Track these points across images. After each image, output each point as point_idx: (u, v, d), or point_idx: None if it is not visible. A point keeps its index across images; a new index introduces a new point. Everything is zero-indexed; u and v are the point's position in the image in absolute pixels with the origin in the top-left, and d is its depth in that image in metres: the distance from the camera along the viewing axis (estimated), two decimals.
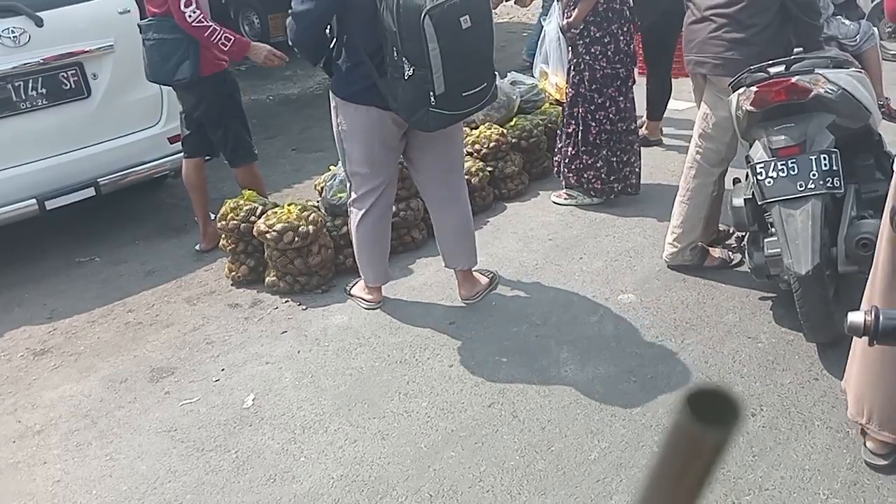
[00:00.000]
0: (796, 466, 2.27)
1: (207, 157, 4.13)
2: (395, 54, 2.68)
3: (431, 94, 2.68)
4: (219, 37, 3.56)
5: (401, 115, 2.83)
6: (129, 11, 4.18)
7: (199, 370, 3.08)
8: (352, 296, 3.46)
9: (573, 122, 4.11)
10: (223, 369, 3.06)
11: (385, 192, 3.17)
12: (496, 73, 2.91)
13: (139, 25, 3.85)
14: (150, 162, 4.30)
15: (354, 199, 3.20)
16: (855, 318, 0.97)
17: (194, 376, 3.04)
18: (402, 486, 2.36)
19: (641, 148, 4.52)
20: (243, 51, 3.70)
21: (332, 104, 3.05)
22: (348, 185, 3.23)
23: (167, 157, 4.36)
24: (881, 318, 0.95)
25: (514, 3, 5.12)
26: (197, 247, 4.15)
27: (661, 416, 2.54)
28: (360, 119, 2.96)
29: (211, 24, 3.55)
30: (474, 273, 3.41)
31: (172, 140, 4.38)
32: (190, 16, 3.52)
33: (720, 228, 3.50)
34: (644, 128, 5.00)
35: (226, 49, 3.61)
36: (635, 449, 2.41)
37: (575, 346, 2.98)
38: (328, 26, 2.91)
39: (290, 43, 2.90)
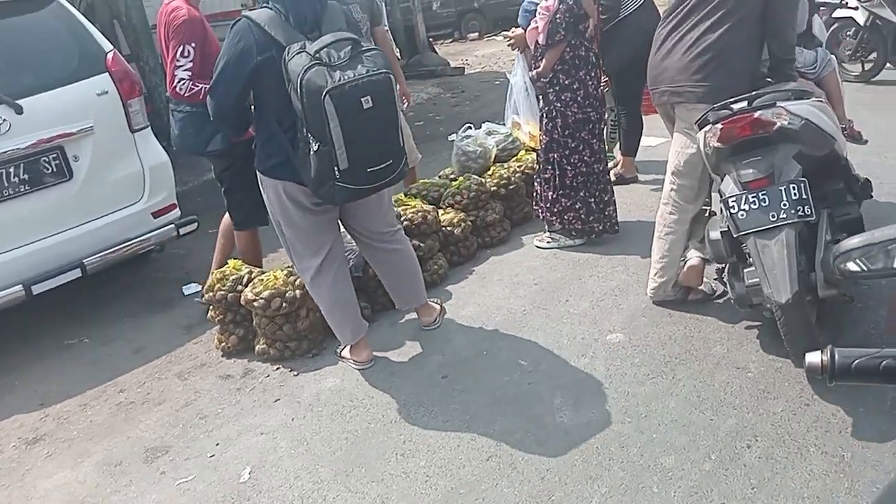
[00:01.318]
0: (795, 496, 2.27)
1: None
2: (304, 130, 2.81)
3: (336, 168, 2.78)
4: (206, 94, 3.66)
5: (310, 188, 2.93)
6: (106, 93, 4.24)
7: (193, 447, 3.06)
8: (343, 358, 3.46)
9: (549, 167, 4.19)
10: (218, 444, 3.04)
11: (330, 254, 3.21)
12: (404, 152, 2.99)
13: (166, 96, 3.94)
14: (134, 238, 4.31)
15: (302, 270, 3.28)
16: (812, 358, 1.00)
17: (189, 453, 3.02)
18: None
19: (619, 186, 4.61)
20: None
21: (258, 178, 3.15)
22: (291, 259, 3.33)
23: (151, 231, 4.38)
24: (836, 356, 0.98)
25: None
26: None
27: (659, 456, 2.54)
28: (282, 193, 3.06)
29: (198, 85, 3.65)
30: (428, 302, 3.63)
31: (156, 215, 4.42)
32: (183, 89, 3.68)
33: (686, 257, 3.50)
34: (619, 166, 5.10)
35: None
36: (635, 492, 2.40)
37: (568, 391, 2.99)
38: (249, 101, 3.03)
39: (212, 118, 3.04)
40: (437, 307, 3.69)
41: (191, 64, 3.68)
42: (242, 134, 3.11)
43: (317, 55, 2.71)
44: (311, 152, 2.80)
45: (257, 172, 3.14)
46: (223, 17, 7.25)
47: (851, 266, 1.11)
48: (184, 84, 3.69)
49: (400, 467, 2.71)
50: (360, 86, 2.71)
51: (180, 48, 3.67)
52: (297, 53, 2.74)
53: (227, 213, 4.19)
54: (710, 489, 2.35)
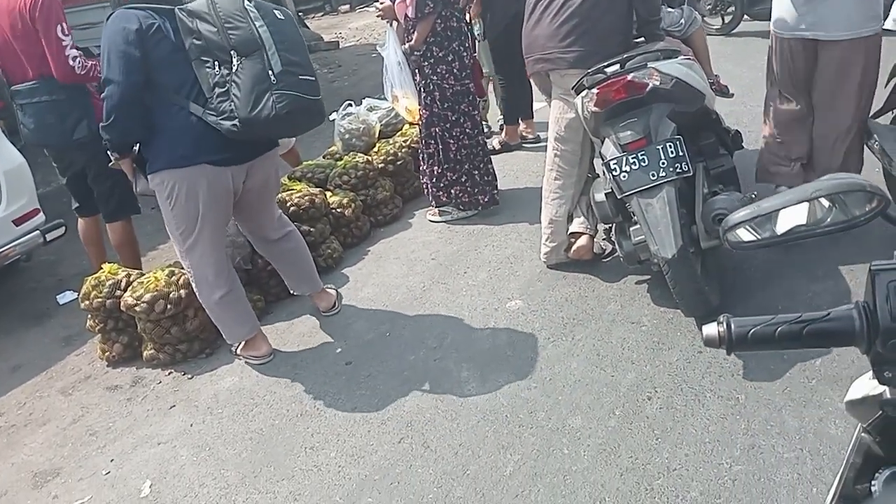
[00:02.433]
0: (697, 441, 2.37)
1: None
2: (216, 66, 2.76)
3: (271, 72, 2.73)
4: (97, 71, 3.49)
5: (242, 119, 2.74)
6: None
7: (86, 465, 2.87)
8: (239, 356, 3.33)
9: (432, 141, 4.16)
10: (112, 460, 2.86)
11: (211, 249, 3.05)
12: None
13: (14, 91, 3.68)
14: None
15: (192, 272, 3.10)
16: (709, 330, 1.01)
17: (82, 473, 2.83)
18: None
19: (505, 153, 4.65)
20: None
21: (156, 182, 2.92)
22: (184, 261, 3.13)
23: (15, 241, 4.05)
24: (732, 327, 0.99)
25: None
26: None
27: (566, 417, 2.59)
28: (187, 181, 2.88)
29: (90, 61, 3.52)
30: (325, 289, 3.60)
31: (18, 222, 4.09)
32: (79, 67, 3.51)
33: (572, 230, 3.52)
34: (504, 134, 5.12)
35: None
36: (547, 455, 2.44)
37: (473, 363, 3.00)
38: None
39: (106, 128, 2.82)
40: (334, 293, 3.63)
41: (72, 41, 3.51)
42: (143, 136, 2.91)
43: None
44: (236, 73, 2.73)
45: (149, 179, 2.95)
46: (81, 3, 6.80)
47: (743, 235, 1.13)
48: (79, 60, 3.52)
49: (310, 461, 2.64)
50: (264, 3, 2.82)
51: (58, 27, 3.48)
52: None
53: (80, 220, 3.98)
54: (617, 444, 2.42)
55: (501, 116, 5.27)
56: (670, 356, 2.79)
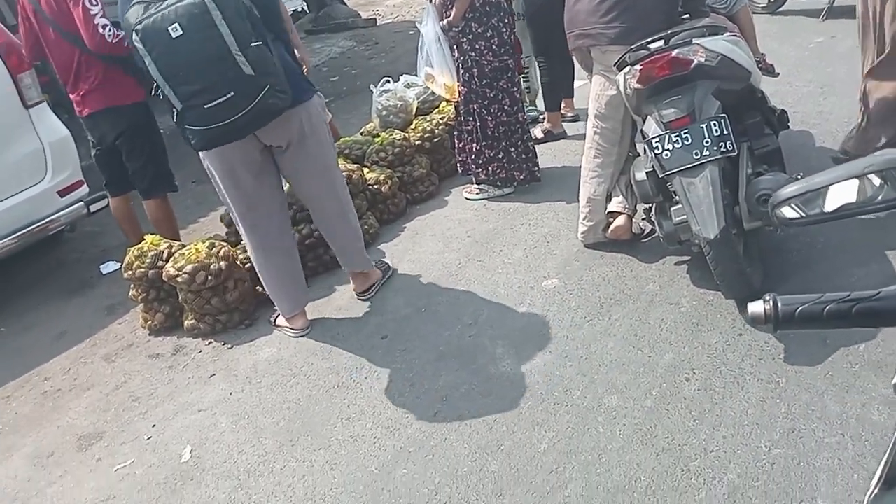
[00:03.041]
0: (735, 423, 2.35)
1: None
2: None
3: (175, 111, 2.66)
4: None
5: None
6: None
7: (128, 430, 2.95)
8: (278, 326, 3.38)
9: (471, 118, 4.14)
10: (154, 425, 2.94)
11: (264, 221, 3.12)
12: (257, 82, 2.64)
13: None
14: (42, 219, 4.09)
15: (244, 237, 3.21)
16: (755, 308, 0.99)
17: (125, 437, 2.91)
18: None
19: (549, 141, 4.60)
20: None
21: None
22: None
23: (59, 211, 4.16)
24: (779, 305, 0.97)
25: None
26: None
27: (602, 396, 2.58)
28: (208, 157, 2.99)
29: (122, 32, 3.51)
30: (365, 272, 3.51)
31: (63, 193, 4.19)
32: (110, 36, 3.53)
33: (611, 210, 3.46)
34: (546, 121, 5.04)
35: None
36: (582, 434, 2.44)
37: (509, 340, 3.00)
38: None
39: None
40: (376, 275, 3.56)
41: (101, 10, 3.54)
42: None
43: None
44: (161, 100, 2.69)
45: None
46: None
47: (788, 212, 1.10)
48: (110, 30, 3.53)
49: (346, 431, 2.68)
50: (167, 14, 2.50)
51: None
52: (134, 4, 2.57)
53: (111, 199, 4.05)
54: (653, 425, 2.41)
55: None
56: (709, 338, 2.76)
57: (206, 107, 2.60)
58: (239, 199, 3.05)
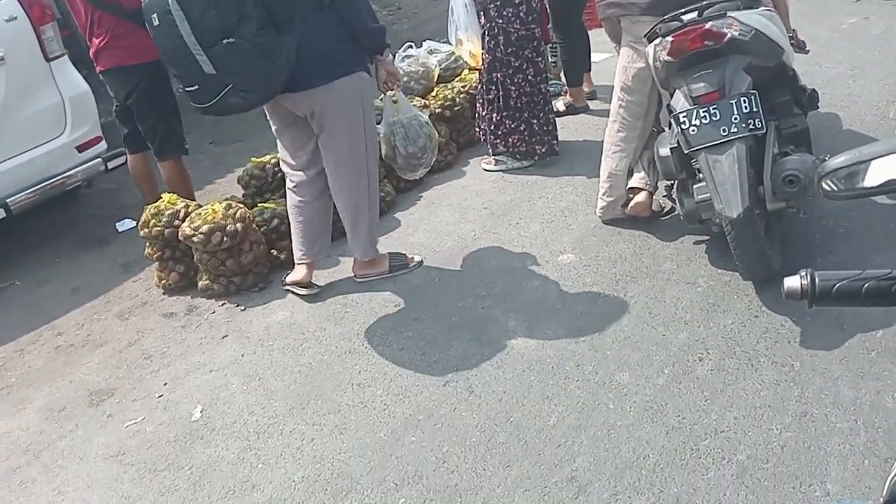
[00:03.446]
0: (747, 405, 2.33)
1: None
2: None
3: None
4: None
5: None
6: (15, 18, 3.92)
7: (140, 388, 2.97)
8: (286, 285, 3.37)
9: (493, 87, 4.08)
10: (165, 383, 2.95)
11: (299, 170, 3.21)
12: (218, 81, 2.72)
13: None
14: (60, 174, 4.10)
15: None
16: (791, 282, 0.96)
17: (136, 395, 2.93)
18: (366, 478, 2.32)
19: (570, 114, 4.53)
20: None
21: None
22: None
23: (78, 167, 4.16)
24: (817, 280, 0.95)
25: None
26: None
27: (614, 373, 2.56)
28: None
29: None
30: (375, 259, 3.38)
31: (81, 148, 4.19)
32: None
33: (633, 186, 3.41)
34: (568, 95, 4.95)
35: None
36: (592, 409, 2.43)
37: (522, 313, 2.98)
38: None
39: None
40: (381, 269, 3.38)
41: None
42: None
43: None
44: None
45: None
46: None
47: (837, 184, 1.06)
48: None
49: (357, 397, 2.68)
50: (148, 5, 2.68)
51: None
52: None
53: (131, 155, 4.03)
54: (664, 403, 2.39)
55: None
56: (725, 319, 2.73)
57: (188, 90, 2.79)
58: (280, 141, 3.25)
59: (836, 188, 1.05)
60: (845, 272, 0.95)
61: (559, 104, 4.82)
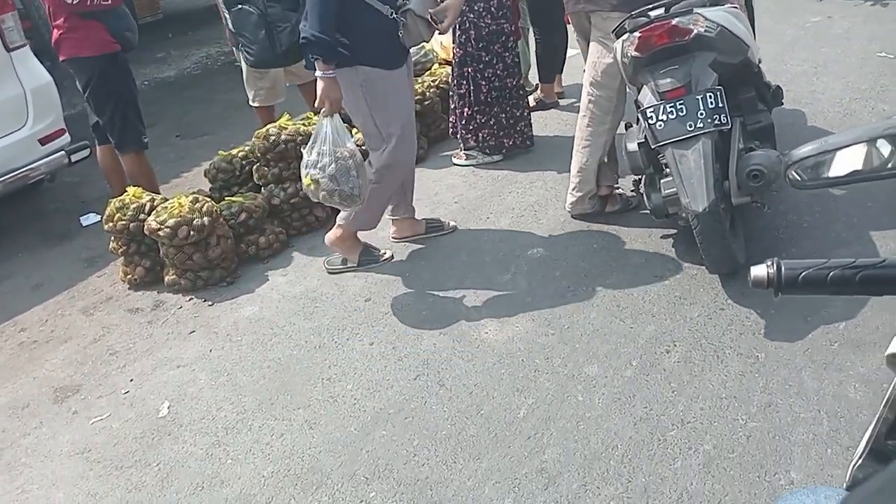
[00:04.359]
0: (714, 396, 2.36)
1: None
2: None
3: None
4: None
5: None
6: None
7: (105, 384, 2.92)
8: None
9: (464, 81, 4.09)
10: (132, 379, 2.91)
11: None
12: (235, 38, 3.37)
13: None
14: (22, 168, 4.02)
15: None
16: (757, 271, 0.98)
17: (102, 391, 2.89)
18: (337, 472, 2.32)
19: (540, 110, 4.54)
20: None
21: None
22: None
23: (40, 160, 4.08)
24: (783, 269, 0.96)
25: None
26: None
27: (583, 365, 2.59)
28: None
29: None
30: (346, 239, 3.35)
31: (44, 141, 4.11)
32: None
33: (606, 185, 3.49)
34: (539, 91, 4.97)
35: (108, 3, 3.57)
36: (561, 401, 2.45)
37: (492, 307, 2.99)
38: None
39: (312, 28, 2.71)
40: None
41: None
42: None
43: None
44: None
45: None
46: None
47: (804, 174, 1.08)
48: None
49: (326, 392, 2.67)
50: None
51: None
52: None
53: (100, 147, 3.97)
54: (632, 394, 2.42)
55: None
56: (691, 311, 2.77)
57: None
58: None
59: (802, 178, 1.07)
60: (811, 261, 0.97)
61: (529, 100, 4.83)
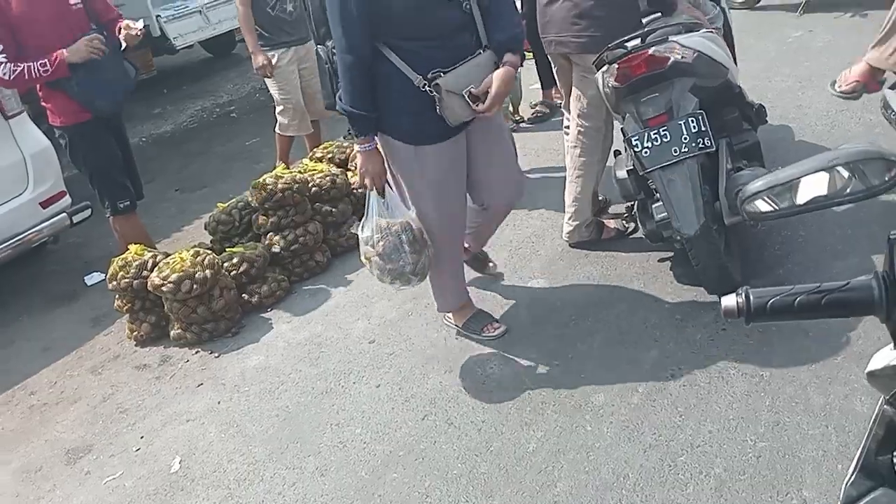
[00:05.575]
0: (721, 418, 2.37)
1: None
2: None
3: None
4: (36, 72, 3.42)
5: None
6: None
7: (117, 442, 2.94)
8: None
9: None
10: (143, 437, 2.93)
11: None
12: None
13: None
14: (25, 232, 4.07)
15: None
16: (727, 301, 1.01)
17: (113, 450, 2.90)
18: None
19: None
20: (63, 65, 3.45)
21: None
22: None
23: (42, 223, 4.14)
24: (751, 298, 0.99)
25: None
26: None
27: (589, 395, 2.60)
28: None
29: (20, 65, 3.41)
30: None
31: (45, 204, 4.17)
32: (3, 74, 3.41)
33: (599, 199, 3.58)
34: (543, 96, 5.19)
35: (48, 74, 3.44)
36: (570, 432, 2.46)
37: (496, 341, 3.00)
38: None
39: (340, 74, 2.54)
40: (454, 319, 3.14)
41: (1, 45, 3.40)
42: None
43: None
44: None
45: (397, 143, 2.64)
46: None
47: (761, 206, 1.12)
48: (3, 67, 3.40)
49: (336, 437, 2.68)
50: None
51: None
52: None
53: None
54: (640, 422, 2.43)
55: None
56: (693, 333, 2.78)
57: None
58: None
59: (768, 209, 1.10)
60: (778, 288, 0.99)
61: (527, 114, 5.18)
